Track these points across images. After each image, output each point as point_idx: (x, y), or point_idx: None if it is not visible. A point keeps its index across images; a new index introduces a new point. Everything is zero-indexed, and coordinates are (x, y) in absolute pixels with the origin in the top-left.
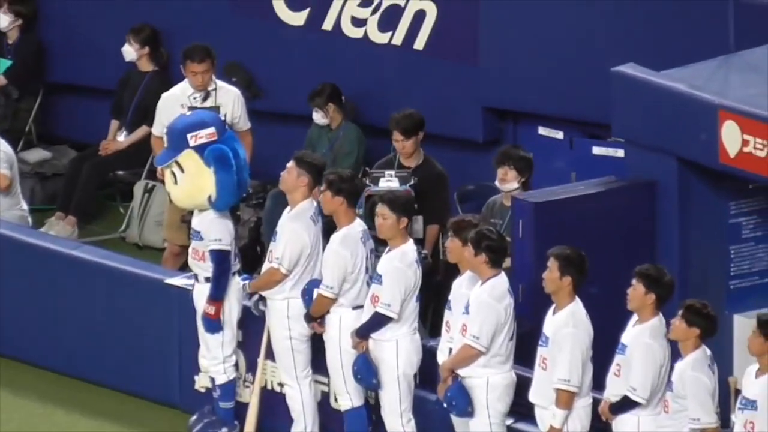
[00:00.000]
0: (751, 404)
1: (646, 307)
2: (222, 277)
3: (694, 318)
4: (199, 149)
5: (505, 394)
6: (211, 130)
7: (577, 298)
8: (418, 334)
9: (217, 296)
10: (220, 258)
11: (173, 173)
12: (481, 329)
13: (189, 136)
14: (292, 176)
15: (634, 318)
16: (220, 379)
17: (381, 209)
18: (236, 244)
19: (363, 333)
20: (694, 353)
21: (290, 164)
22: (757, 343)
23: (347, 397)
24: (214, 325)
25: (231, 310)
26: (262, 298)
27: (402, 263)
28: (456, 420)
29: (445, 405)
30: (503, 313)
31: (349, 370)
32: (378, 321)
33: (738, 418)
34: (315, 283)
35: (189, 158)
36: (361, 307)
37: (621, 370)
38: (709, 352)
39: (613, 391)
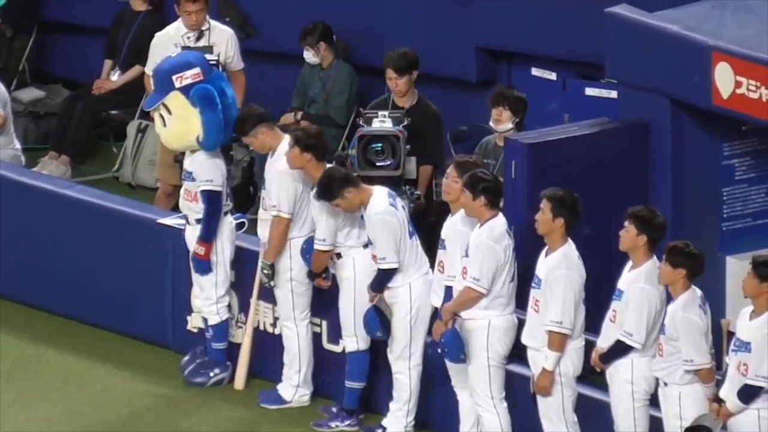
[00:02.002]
0: (745, 346)
1: (638, 249)
2: (212, 217)
3: (678, 258)
4: (185, 90)
5: (506, 337)
6: (196, 70)
7: (570, 240)
8: (430, 273)
9: (207, 237)
10: (211, 199)
11: (161, 116)
12: (481, 271)
13: (174, 77)
14: (258, 140)
15: (630, 263)
16: (213, 320)
17: None
18: (229, 183)
19: (376, 287)
20: (684, 295)
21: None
22: (752, 285)
23: (354, 339)
24: (203, 265)
25: (224, 250)
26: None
27: (385, 213)
28: (450, 364)
29: (438, 350)
30: (502, 254)
31: (362, 311)
32: (385, 276)
33: (731, 360)
34: (313, 241)
35: (175, 100)
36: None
37: (617, 317)
38: (699, 292)
39: (608, 338)
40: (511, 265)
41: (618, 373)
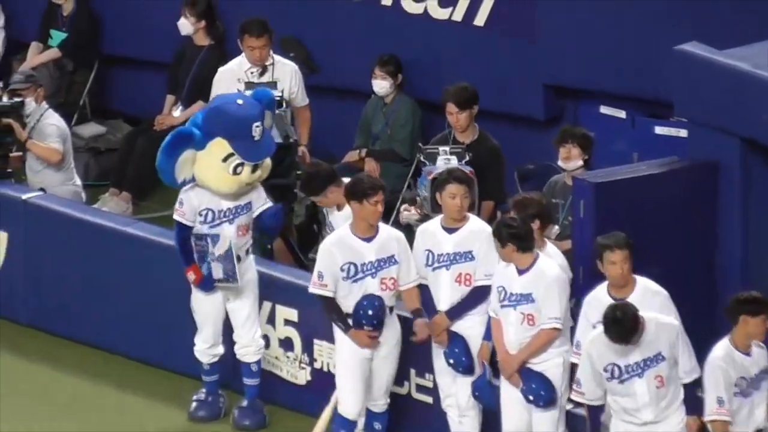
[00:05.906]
0: None
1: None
2: (180, 246)
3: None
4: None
5: None
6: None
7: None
8: None
9: (185, 263)
10: (176, 227)
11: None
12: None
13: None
14: (327, 199)
15: None
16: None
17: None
18: (293, 221)
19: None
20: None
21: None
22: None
23: (388, 397)
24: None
25: (201, 305)
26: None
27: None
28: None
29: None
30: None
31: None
32: (483, 293)
33: None
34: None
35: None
36: None
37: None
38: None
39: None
40: None
41: None
